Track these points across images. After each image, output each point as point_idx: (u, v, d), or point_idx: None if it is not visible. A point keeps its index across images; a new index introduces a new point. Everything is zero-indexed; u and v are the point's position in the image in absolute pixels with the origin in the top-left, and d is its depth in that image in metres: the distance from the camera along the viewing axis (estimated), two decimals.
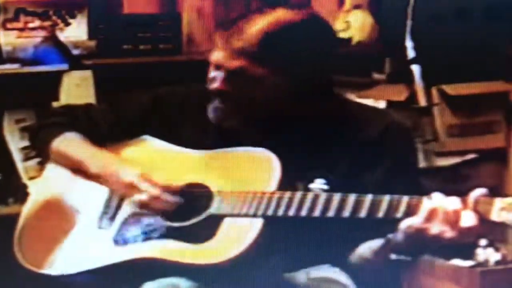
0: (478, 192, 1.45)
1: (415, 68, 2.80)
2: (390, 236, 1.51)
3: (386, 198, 1.50)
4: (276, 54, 1.61)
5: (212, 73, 1.67)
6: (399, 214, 1.49)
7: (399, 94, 2.78)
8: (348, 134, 1.66)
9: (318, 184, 1.60)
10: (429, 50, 2.76)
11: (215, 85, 1.65)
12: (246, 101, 1.64)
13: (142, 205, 1.67)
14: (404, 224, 1.47)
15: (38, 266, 1.71)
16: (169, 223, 1.65)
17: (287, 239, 1.58)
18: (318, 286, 1.59)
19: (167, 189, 1.65)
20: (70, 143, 1.80)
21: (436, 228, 1.44)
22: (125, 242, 1.67)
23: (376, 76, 2.90)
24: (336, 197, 1.54)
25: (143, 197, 1.66)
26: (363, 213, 1.51)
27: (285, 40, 1.61)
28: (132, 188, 1.67)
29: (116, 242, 1.68)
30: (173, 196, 1.65)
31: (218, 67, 1.66)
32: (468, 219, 1.43)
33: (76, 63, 2.71)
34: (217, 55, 1.65)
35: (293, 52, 1.61)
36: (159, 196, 1.65)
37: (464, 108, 2.79)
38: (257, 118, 1.66)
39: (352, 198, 1.52)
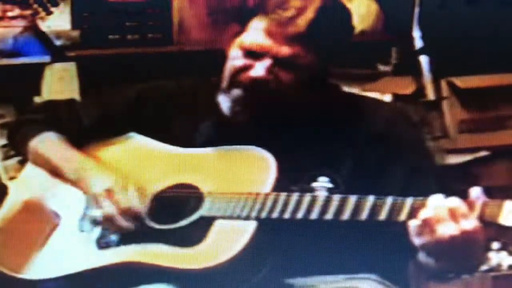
0: (477, 192, 1.46)
1: (423, 59, 2.81)
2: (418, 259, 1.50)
3: (388, 200, 1.51)
4: (320, 41, 1.63)
5: (244, 60, 1.66)
6: (402, 217, 1.49)
7: (406, 87, 2.79)
8: (352, 129, 1.67)
9: (322, 182, 1.61)
10: (438, 40, 2.78)
11: (255, 73, 1.64)
12: (274, 93, 1.64)
13: (95, 221, 1.69)
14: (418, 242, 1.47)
15: (16, 271, 1.71)
16: (156, 226, 1.66)
17: (282, 243, 1.58)
18: None
19: (125, 212, 1.66)
20: (47, 143, 1.80)
21: (441, 231, 1.44)
22: (108, 245, 1.68)
23: (381, 68, 2.91)
24: (336, 198, 1.55)
25: (97, 214, 1.69)
26: (363, 216, 1.52)
27: (324, 26, 1.63)
28: (96, 200, 1.69)
29: (98, 245, 1.69)
30: (128, 222, 1.66)
31: (255, 54, 1.65)
32: (470, 223, 1.43)
33: (58, 55, 2.75)
34: (260, 41, 1.64)
35: (329, 39, 1.65)
36: (113, 217, 1.67)
37: (475, 102, 2.80)
38: (265, 113, 1.66)
39: (352, 200, 1.53)
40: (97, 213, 1.68)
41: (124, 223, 1.66)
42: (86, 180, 1.72)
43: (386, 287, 1.61)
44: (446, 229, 1.43)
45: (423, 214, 1.46)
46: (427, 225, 1.45)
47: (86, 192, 1.72)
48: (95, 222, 1.69)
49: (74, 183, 1.75)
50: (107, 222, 1.67)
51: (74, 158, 1.77)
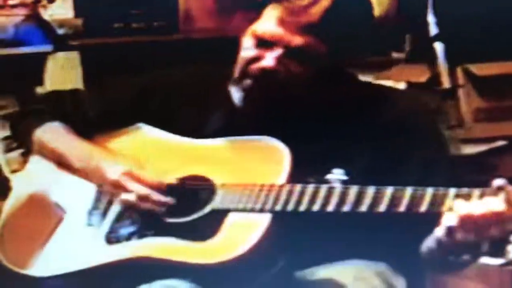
0: (501, 181, 1.44)
1: (438, 46, 2.80)
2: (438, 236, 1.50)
3: (408, 191, 1.50)
4: (334, 32, 1.62)
5: (255, 50, 1.65)
6: (422, 208, 1.48)
7: (420, 75, 2.77)
8: (367, 119, 1.67)
9: (336, 174, 1.60)
10: (454, 26, 2.77)
11: (265, 63, 1.63)
12: (284, 84, 1.64)
13: (130, 205, 1.67)
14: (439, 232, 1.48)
15: (21, 266, 1.71)
16: (168, 219, 1.65)
17: (297, 236, 1.58)
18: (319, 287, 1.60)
19: (157, 186, 1.66)
20: (52, 133, 1.80)
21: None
22: (119, 240, 1.67)
23: (395, 55, 2.90)
24: (353, 190, 1.54)
25: (130, 197, 1.67)
26: (382, 208, 1.51)
27: (339, 16, 1.62)
28: (118, 186, 1.68)
29: (108, 240, 1.68)
30: (164, 195, 1.66)
31: (266, 43, 1.64)
32: (496, 204, 1.43)
33: (61, 44, 2.73)
34: (272, 30, 1.64)
35: (343, 30, 1.63)
36: (148, 195, 1.66)
37: (492, 90, 2.79)
38: (277, 103, 1.66)
39: (370, 191, 1.52)
40: (125, 196, 1.66)
41: (162, 197, 1.65)
42: (100, 169, 1.70)
43: (380, 276, 1.60)
44: (474, 207, 1.43)
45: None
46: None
47: (101, 180, 1.70)
48: (127, 205, 1.66)
49: (82, 173, 1.74)
50: (142, 201, 1.65)
51: (81, 146, 1.77)
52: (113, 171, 1.69)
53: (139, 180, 1.67)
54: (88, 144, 1.77)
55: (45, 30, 2.71)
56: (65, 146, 1.77)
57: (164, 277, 1.60)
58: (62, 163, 1.77)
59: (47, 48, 2.70)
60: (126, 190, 1.67)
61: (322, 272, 1.60)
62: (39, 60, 2.68)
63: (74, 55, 2.68)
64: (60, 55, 2.68)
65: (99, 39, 2.72)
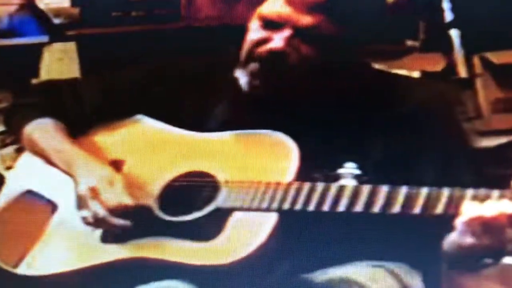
0: None
1: (454, 34, 2.79)
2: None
3: (424, 191, 1.48)
4: (344, 9, 1.61)
5: (262, 32, 1.64)
6: (438, 210, 1.46)
7: (435, 63, 2.76)
8: (382, 109, 1.64)
9: (348, 169, 1.57)
10: (470, 11, 2.76)
11: (273, 45, 1.61)
12: (293, 66, 1.61)
13: (87, 223, 1.67)
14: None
15: (13, 265, 1.68)
16: (168, 217, 1.62)
17: (305, 237, 1.55)
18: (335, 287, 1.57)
19: (114, 209, 1.65)
20: (41, 132, 1.79)
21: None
22: (114, 239, 1.64)
23: (409, 43, 2.90)
24: (366, 189, 1.52)
25: (87, 215, 1.67)
26: (396, 209, 1.49)
27: None
28: (82, 200, 1.68)
29: (103, 239, 1.65)
30: (121, 219, 1.65)
31: (273, 25, 1.63)
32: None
33: (57, 34, 2.72)
34: (279, 10, 1.62)
35: (355, 6, 1.62)
36: (103, 219, 1.65)
37: (511, 80, 2.78)
38: (284, 88, 1.64)
39: (384, 190, 1.50)
40: (84, 213, 1.67)
41: (117, 221, 1.64)
42: (74, 178, 1.71)
43: (394, 276, 1.59)
44: (489, 209, 1.42)
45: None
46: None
47: (75, 190, 1.72)
48: (86, 223, 1.68)
49: (68, 175, 1.74)
50: (98, 222, 1.66)
51: (65, 150, 1.76)
52: (83, 183, 1.68)
53: (98, 200, 1.66)
54: (72, 147, 1.76)
55: (41, 19, 2.77)
56: (52, 148, 1.77)
57: (162, 279, 1.57)
58: (50, 162, 1.77)
59: (43, 38, 2.71)
60: (87, 207, 1.66)
61: (334, 273, 1.58)
62: (35, 51, 2.70)
63: (71, 46, 2.68)
64: (57, 46, 2.70)
65: (97, 28, 2.73)
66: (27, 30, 2.70)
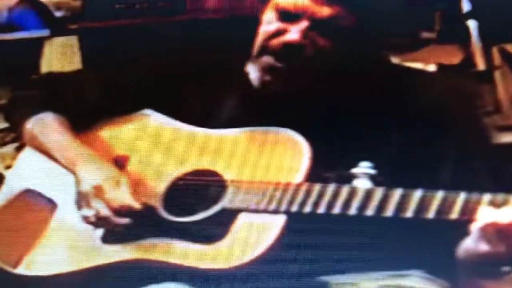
0: None
1: (471, 24, 2.76)
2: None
3: (439, 195, 1.46)
4: (363, 2, 1.61)
5: (278, 24, 1.63)
6: (453, 215, 1.45)
7: (452, 56, 2.74)
8: (397, 106, 1.63)
9: (363, 168, 1.55)
10: (488, 2, 2.74)
11: (289, 37, 1.60)
12: (309, 60, 1.61)
13: (88, 222, 1.67)
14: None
15: (12, 265, 1.68)
16: (172, 218, 1.61)
17: (314, 240, 1.54)
18: None
19: (118, 210, 1.65)
20: (44, 127, 1.79)
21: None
22: (116, 240, 1.63)
23: (425, 35, 2.86)
24: (378, 192, 1.50)
25: (89, 214, 1.66)
26: (409, 213, 1.48)
27: None
28: (84, 199, 1.67)
29: (104, 239, 1.65)
30: (124, 218, 1.65)
31: (290, 16, 1.62)
32: None
33: (59, 28, 2.69)
34: (296, 0, 1.62)
35: (373, 2, 1.63)
36: (107, 217, 1.65)
37: None
38: (298, 83, 1.62)
39: (397, 193, 1.49)
40: (87, 212, 1.66)
41: (119, 220, 1.64)
42: (77, 175, 1.70)
43: (431, 281, 1.58)
44: (504, 215, 1.41)
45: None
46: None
47: (77, 188, 1.71)
48: (87, 222, 1.67)
49: (71, 172, 1.74)
50: (100, 222, 1.65)
51: (68, 146, 1.76)
52: (87, 181, 1.68)
53: (102, 200, 1.65)
54: (75, 143, 1.76)
55: (41, 13, 2.79)
56: (54, 144, 1.77)
57: (165, 281, 1.56)
58: (52, 158, 1.77)
59: (44, 32, 2.68)
60: (89, 205, 1.65)
61: (343, 280, 1.57)
62: (36, 46, 2.67)
63: (73, 40, 2.66)
64: (58, 40, 2.67)
65: (99, 22, 2.73)
66: (27, 24, 2.69)
